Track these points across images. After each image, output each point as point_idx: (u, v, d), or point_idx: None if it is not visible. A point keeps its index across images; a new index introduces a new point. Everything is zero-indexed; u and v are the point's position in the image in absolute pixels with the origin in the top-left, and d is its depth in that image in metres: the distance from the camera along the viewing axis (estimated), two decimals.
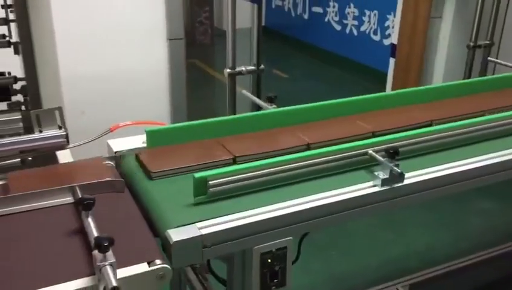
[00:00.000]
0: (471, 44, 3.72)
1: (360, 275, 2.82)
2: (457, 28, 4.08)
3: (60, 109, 1.37)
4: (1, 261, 1.05)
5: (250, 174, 1.29)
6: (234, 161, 1.45)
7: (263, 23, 2.92)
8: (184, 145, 1.54)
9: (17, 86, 2.10)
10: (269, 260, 1.25)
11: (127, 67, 2.93)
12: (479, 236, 3.17)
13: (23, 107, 2.12)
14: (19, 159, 1.57)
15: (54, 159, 1.73)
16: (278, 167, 1.32)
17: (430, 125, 1.69)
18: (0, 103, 2.13)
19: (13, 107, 2.10)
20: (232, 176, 1.27)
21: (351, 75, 6.42)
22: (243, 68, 2.75)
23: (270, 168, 1.31)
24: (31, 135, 1.34)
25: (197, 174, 1.25)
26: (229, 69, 2.71)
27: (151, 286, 1.06)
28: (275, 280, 1.28)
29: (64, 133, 1.37)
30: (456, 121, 1.63)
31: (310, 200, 1.28)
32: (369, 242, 3.13)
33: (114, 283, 0.93)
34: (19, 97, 2.12)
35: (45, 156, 1.62)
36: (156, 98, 3.15)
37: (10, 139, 1.34)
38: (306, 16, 7.70)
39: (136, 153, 1.49)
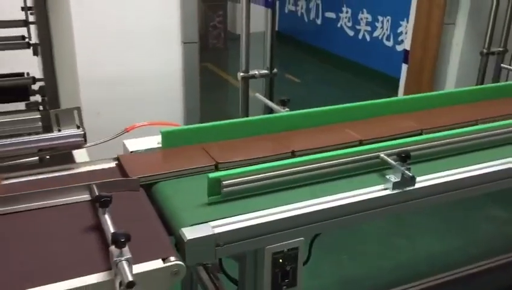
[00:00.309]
0: (485, 51, 3.72)
1: (370, 279, 2.83)
2: (471, 34, 4.08)
3: (78, 108, 1.40)
4: (20, 255, 1.08)
5: (264, 175, 1.31)
6: (216, 167, 1.46)
7: (276, 28, 2.95)
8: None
9: (35, 86, 2.15)
10: (281, 260, 1.27)
11: (142, 69, 2.98)
12: (490, 243, 3.16)
13: (40, 108, 2.17)
14: (37, 158, 1.62)
15: (71, 158, 1.77)
16: (290, 168, 1.35)
17: (420, 134, 1.69)
18: (19, 102, 2.18)
19: (31, 107, 2.15)
20: (246, 176, 1.29)
21: (364, 80, 6.43)
22: (256, 72, 2.78)
23: (282, 169, 1.34)
24: (49, 134, 1.37)
25: (212, 175, 1.27)
26: (243, 72, 2.74)
27: (165, 282, 1.08)
28: (286, 280, 1.30)
29: (82, 132, 1.41)
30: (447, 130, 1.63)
31: (321, 201, 1.30)
32: (380, 247, 3.13)
33: (130, 278, 0.96)
34: (37, 97, 2.16)
35: (62, 155, 1.66)
36: (169, 100, 3.19)
37: (30, 137, 1.38)
38: (319, 21, 7.72)
39: (118, 156, 1.52)
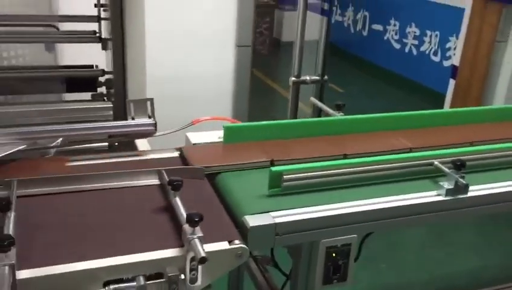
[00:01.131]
0: None
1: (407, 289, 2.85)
2: None
3: (151, 100, 1.51)
4: (99, 228, 1.19)
5: (323, 172, 1.38)
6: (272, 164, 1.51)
7: None
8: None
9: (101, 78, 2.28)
10: (334, 254, 1.33)
11: (197, 70, 3.10)
12: None
13: (105, 99, 2.30)
14: (107, 143, 1.74)
15: (133, 147, 1.89)
16: (348, 168, 1.41)
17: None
18: (86, 93, 2.32)
19: (96, 98, 2.28)
20: (306, 172, 1.37)
21: (408, 94, 6.41)
22: (308, 77, 2.86)
23: (340, 169, 1.40)
24: (125, 121, 1.48)
25: (274, 168, 1.35)
26: (294, 77, 2.82)
27: (229, 263, 1.16)
28: (337, 274, 1.36)
29: (154, 122, 1.51)
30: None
31: (377, 202, 1.36)
32: (419, 258, 3.14)
33: (203, 254, 1.04)
34: (102, 89, 2.29)
35: (126, 143, 1.78)
36: (220, 101, 3.30)
37: (107, 123, 1.49)
38: (365, 33, 7.74)
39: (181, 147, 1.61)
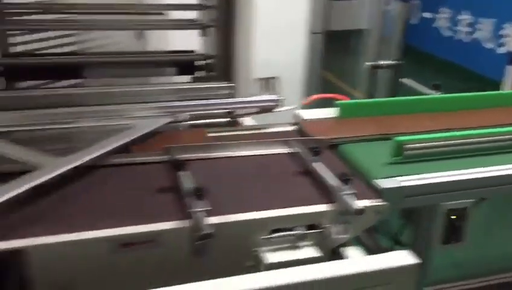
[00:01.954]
0: None
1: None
2: None
3: (277, 78, 1.67)
4: (258, 187, 1.36)
5: (442, 142, 1.52)
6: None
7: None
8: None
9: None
10: (452, 217, 1.48)
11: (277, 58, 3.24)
12: None
13: None
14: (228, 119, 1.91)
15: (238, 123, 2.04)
16: (462, 139, 1.55)
17: None
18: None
19: (195, 81, 2.46)
20: (426, 142, 1.51)
21: (461, 82, 6.43)
22: (383, 62, 2.98)
23: (457, 140, 1.54)
24: (259, 96, 1.65)
25: (397, 139, 1.50)
26: (371, 62, 2.95)
27: (370, 219, 1.32)
28: (455, 235, 1.50)
29: (280, 98, 1.67)
30: None
31: (490, 170, 1.49)
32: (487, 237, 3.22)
33: (359, 206, 1.20)
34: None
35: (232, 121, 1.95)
36: (295, 84, 3.42)
37: (247, 98, 1.66)
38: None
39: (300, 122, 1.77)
